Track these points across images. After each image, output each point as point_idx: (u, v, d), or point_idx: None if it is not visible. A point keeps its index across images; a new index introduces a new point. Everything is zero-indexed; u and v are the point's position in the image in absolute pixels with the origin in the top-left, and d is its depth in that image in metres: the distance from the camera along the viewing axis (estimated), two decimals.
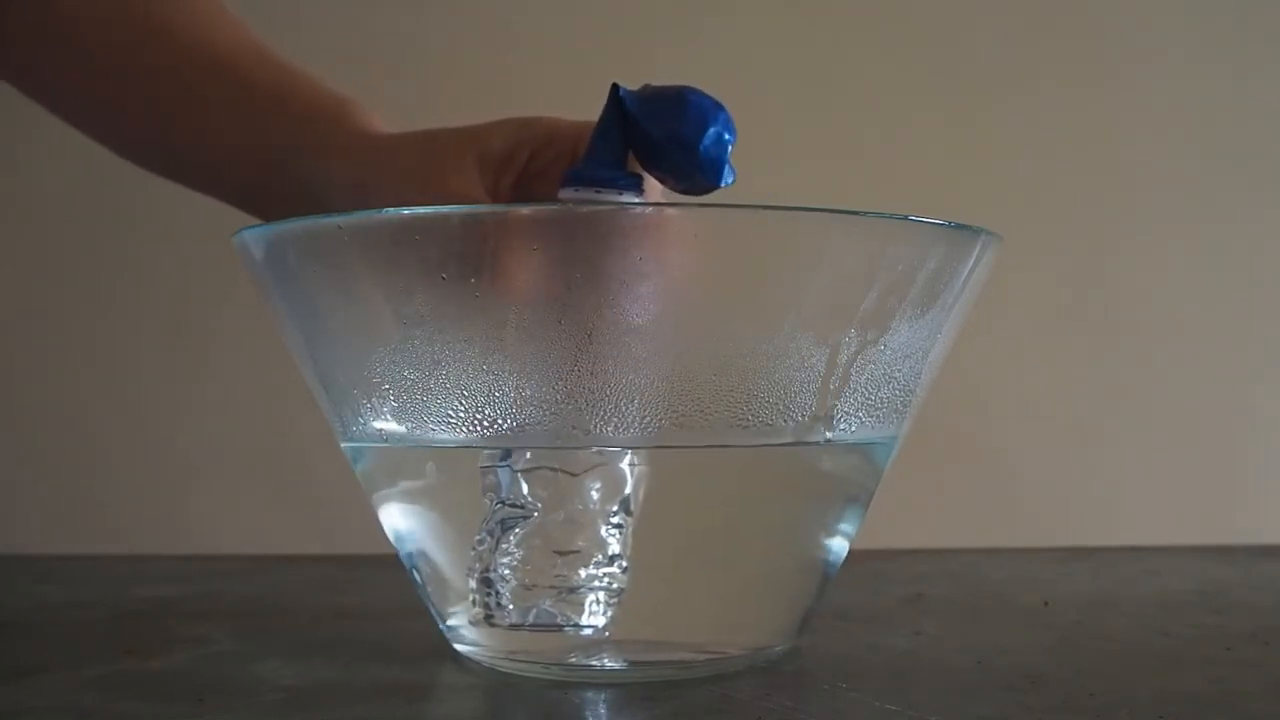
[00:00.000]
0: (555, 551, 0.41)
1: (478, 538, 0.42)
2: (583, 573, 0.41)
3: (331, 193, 0.50)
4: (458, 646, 0.46)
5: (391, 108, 0.55)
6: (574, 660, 0.43)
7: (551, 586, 0.41)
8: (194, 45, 0.54)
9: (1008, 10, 0.85)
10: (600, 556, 0.41)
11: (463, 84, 0.81)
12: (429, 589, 0.46)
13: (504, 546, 0.41)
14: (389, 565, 0.52)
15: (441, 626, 0.46)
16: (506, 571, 0.41)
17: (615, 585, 0.41)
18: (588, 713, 0.40)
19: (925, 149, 0.84)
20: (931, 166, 0.84)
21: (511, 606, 0.41)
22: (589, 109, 0.46)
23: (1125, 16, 0.86)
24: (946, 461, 0.82)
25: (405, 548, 0.46)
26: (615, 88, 0.44)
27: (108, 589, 0.63)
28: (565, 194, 0.44)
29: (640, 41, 0.84)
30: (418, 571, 0.46)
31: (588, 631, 0.41)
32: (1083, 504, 0.84)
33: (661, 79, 0.46)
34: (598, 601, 0.41)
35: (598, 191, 0.44)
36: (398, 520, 0.46)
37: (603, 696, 0.41)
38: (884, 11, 0.84)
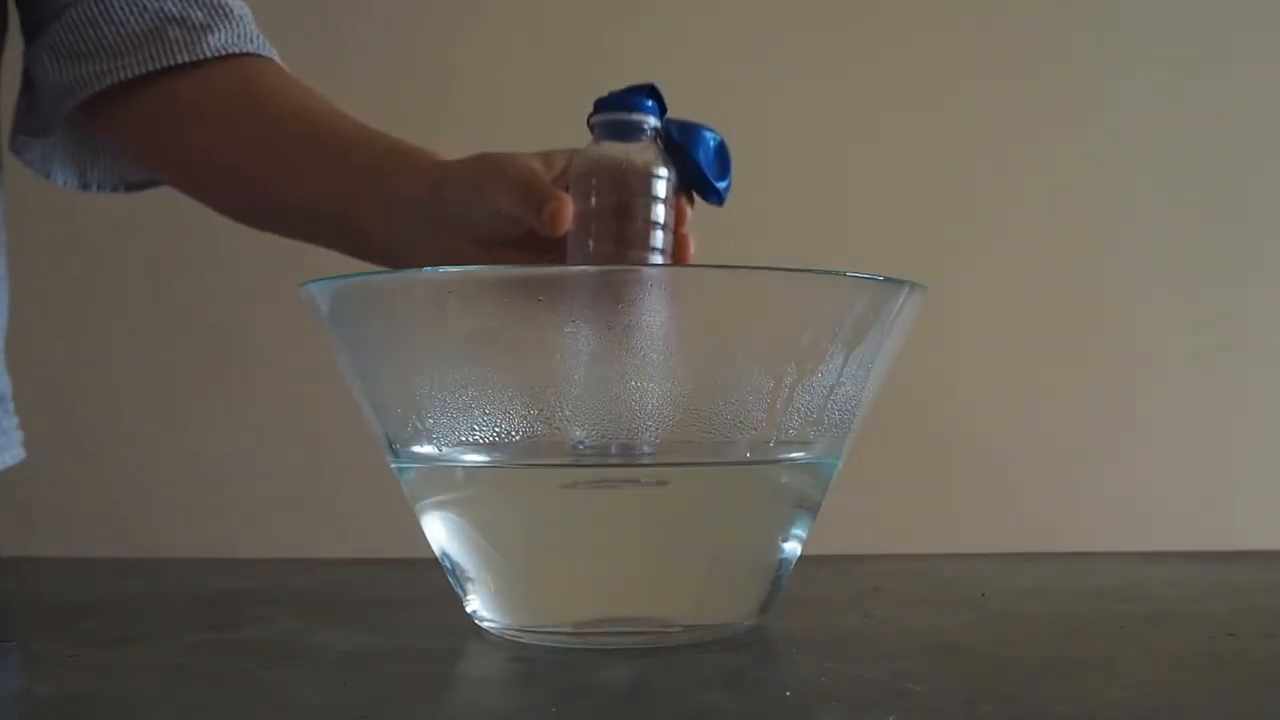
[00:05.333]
0: None
1: None
2: None
3: (407, 203, 0.63)
4: (480, 624, 0.56)
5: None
6: (575, 630, 0.53)
7: None
8: (292, 113, 0.66)
9: (1003, 38, 0.91)
10: None
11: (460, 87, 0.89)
12: (457, 576, 0.56)
13: None
14: (422, 566, 0.62)
15: (468, 610, 0.56)
16: None
17: None
18: (593, 664, 0.50)
19: (924, 164, 0.89)
20: (931, 184, 0.89)
21: None
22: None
23: (1113, 50, 0.92)
24: (945, 476, 0.89)
25: (439, 545, 0.56)
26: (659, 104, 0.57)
27: (186, 583, 0.72)
28: (598, 119, 0.56)
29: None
30: (449, 560, 0.56)
31: None
32: (1076, 517, 0.91)
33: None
34: None
35: (628, 112, 0.55)
36: (434, 522, 0.56)
37: (604, 657, 0.51)
38: (876, 34, 0.90)
